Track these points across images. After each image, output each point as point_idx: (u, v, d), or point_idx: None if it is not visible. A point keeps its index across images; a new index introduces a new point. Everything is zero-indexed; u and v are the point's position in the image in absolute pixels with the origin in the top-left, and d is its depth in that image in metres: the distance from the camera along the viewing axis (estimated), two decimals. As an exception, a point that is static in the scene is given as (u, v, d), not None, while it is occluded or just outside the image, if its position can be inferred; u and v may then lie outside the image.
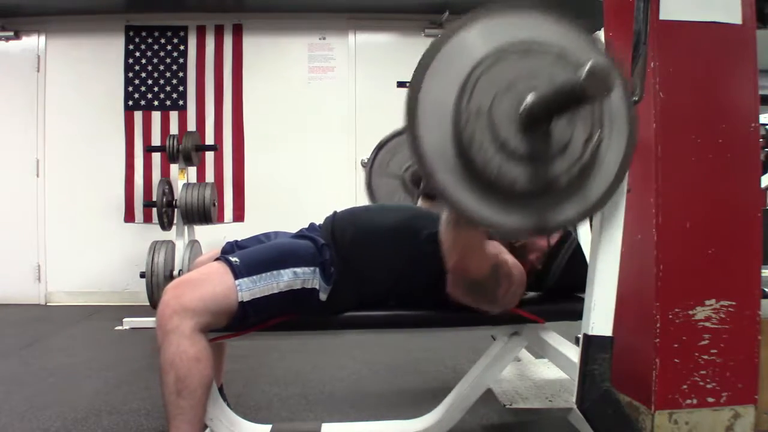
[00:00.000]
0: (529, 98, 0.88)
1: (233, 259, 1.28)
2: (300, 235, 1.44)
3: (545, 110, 0.88)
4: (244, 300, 1.23)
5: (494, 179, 0.90)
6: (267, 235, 1.56)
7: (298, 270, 1.29)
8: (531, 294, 1.47)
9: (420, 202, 1.81)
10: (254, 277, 1.25)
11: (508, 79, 0.90)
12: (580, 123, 0.92)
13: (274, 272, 1.27)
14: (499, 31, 0.94)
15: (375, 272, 1.37)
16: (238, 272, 1.24)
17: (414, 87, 0.91)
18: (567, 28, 0.97)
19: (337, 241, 1.38)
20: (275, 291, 1.26)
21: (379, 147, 2.04)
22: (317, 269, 1.31)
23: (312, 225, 1.52)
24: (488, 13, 0.95)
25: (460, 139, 0.89)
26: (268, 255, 1.32)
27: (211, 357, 1.20)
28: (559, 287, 1.45)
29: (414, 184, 1.98)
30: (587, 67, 0.76)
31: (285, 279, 1.27)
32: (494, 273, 1.21)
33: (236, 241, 1.54)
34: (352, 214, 1.48)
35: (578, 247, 1.45)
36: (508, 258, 1.30)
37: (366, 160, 4.21)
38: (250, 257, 1.30)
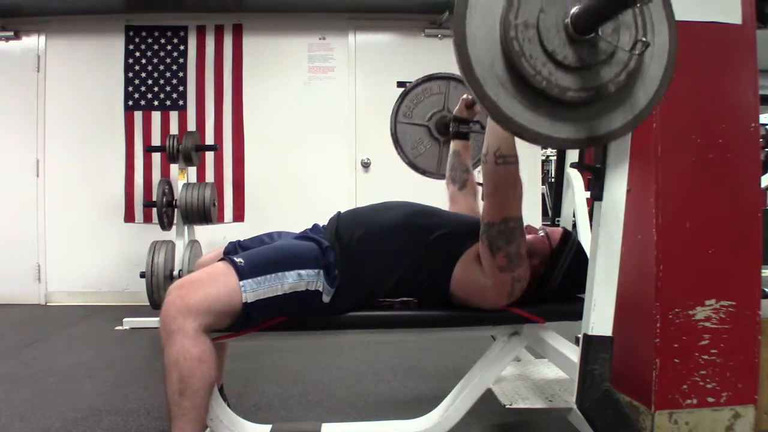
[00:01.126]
0: (575, 8, 0.91)
1: (238, 260, 1.28)
2: (304, 236, 1.44)
3: (591, 18, 0.90)
4: (248, 301, 1.23)
5: (544, 89, 0.92)
6: (270, 235, 1.56)
7: (303, 272, 1.29)
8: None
9: (452, 144, 1.82)
10: (259, 278, 1.25)
11: None
12: (625, 30, 0.96)
13: (279, 274, 1.27)
14: None
15: (380, 273, 1.37)
16: (242, 273, 1.24)
17: (461, 2, 0.93)
18: None
19: (342, 243, 1.38)
20: (279, 293, 1.26)
21: (404, 95, 2.05)
22: (321, 271, 1.31)
23: (315, 226, 1.52)
24: None
25: (509, 50, 0.92)
26: (273, 256, 1.32)
27: (215, 357, 1.20)
28: (562, 290, 1.44)
29: (440, 131, 2.02)
30: None
31: (289, 281, 1.27)
32: (521, 222, 1.28)
33: (239, 241, 1.54)
34: (357, 214, 1.48)
35: (579, 250, 1.45)
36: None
37: (366, 160, 4.22)
38: (254, 258, 1.30)
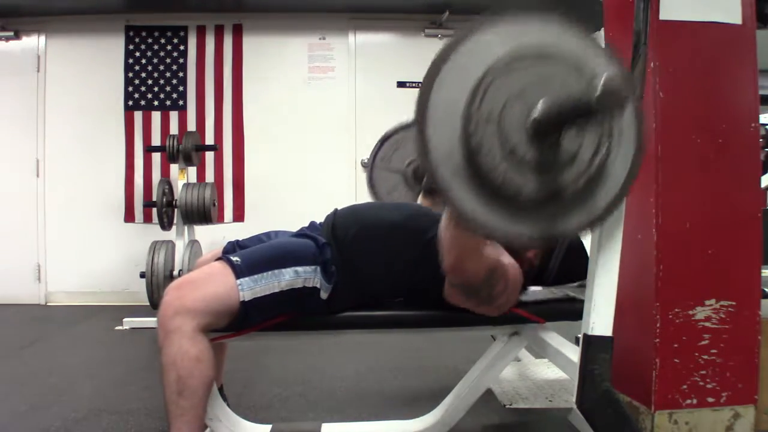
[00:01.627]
0: (540, 107, 0.88)
1: (234, 258, 1.28)
2: (301, 233, 1.44)
3: (555, 120, 0.87)
4: (246, 299, 1.23)
5: (500, 185, 0.89)
6: (268, 235, 1.56)
7: (300, 269, 1.29)
8: (533, 289, 1.46)
9: (420, 199, 1.81)
10: (255, 276, 1.25)
11: (520, 86, 0.89)
12: (590, 134, 0.91)
13: (276, 271, 1.27)
14: (514, 37, 0.93)
15: (376, 271, 1.37)
16: (239, 272, 1.25)
17: (427, 85, 0.91)
18: (582, 38, 0.96)
19: (339, 240, 1.38)
20: (276, 290, 1.26)
21: (383, 140, 2.03)
22: (318, 268, 1.31)
23: (312, 223, 1.52)
24: (505, 18, 0.95)
25: (468, 142, 0.89)
26: (270, 254, 1.32)
27: (213, 357, 1.20)
28: (559, 280, 1.45)
29: (416, 180, 1.99)
30: (602, 82, 0.75)
31: (286, 278, 1.27)
32: (490, 277, 1.21)
33: (237, 241, 1.54)
34: (354, 211, 1.48)
35: (575, 244, 1.44)
36: (506, 260, 1.30)
37: (366, 160, 4.22)
38: (251, 257, 1.30)
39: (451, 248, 1.16)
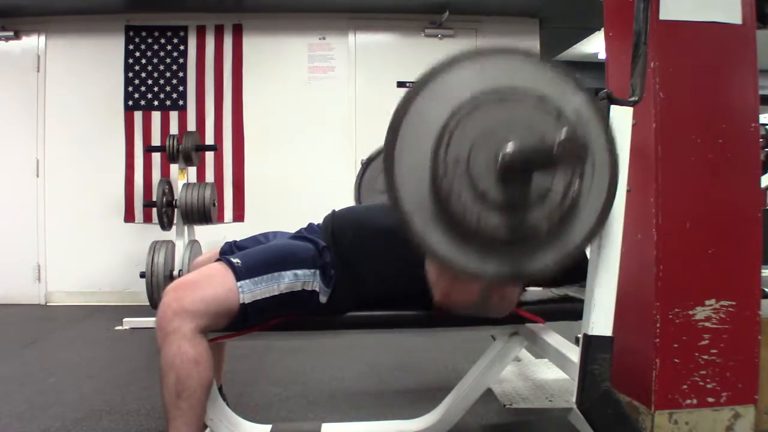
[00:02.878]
0: (508, 149, 0.87)
1: (235, 260, 1.27)
2: (300, 236, 1.44)
3: (522, 166, 0.88)
4: (246, 302, 1.23)
5: (474, 228, 0.89)
6: (266, 236, 1.56)
7: (299, 272, 1.29)
8: (531, 289, 1.46)
9: None
10: (256, 278, 1.25)
11: (486, 127, 0.89)
12: (560, 171, 0.91)
13: (275, 274, 1.27)
14: (476, 78, 0.92)
15: (375, 273, 1.37)
16: (239, 274, 1.24)
17: (392, 132, 0.90)
18: (550, 72, 0.95)
19: (337, 242, 1.37)
20: (276, 293, 1.26)
21: (367, 163, 2.03)
22: (317, 271, 1.31)
23: (311, 225, 1.52)
24: (468, 56, 0.94)
25: (438, 188, 0.89)
26: (270, 256, 1.31)
27: (211, 359, 1.20)
28: (558, 283, 1.44)
29: None
30: (561, 137, 0.75)
31: (286, 281, 1.27)
32: (482, 297, 1.22)
33: (235, 242, 1.54)
34: (352, 214, 1.48)
35: None
36: None
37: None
38: (251, 259, 1.30)
39: (437, 283, 1.20)
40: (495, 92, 0.91)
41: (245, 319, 1.26)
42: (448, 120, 0.89)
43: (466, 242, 0.92)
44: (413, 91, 0.92)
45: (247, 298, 1.23)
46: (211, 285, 1.23)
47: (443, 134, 0.89)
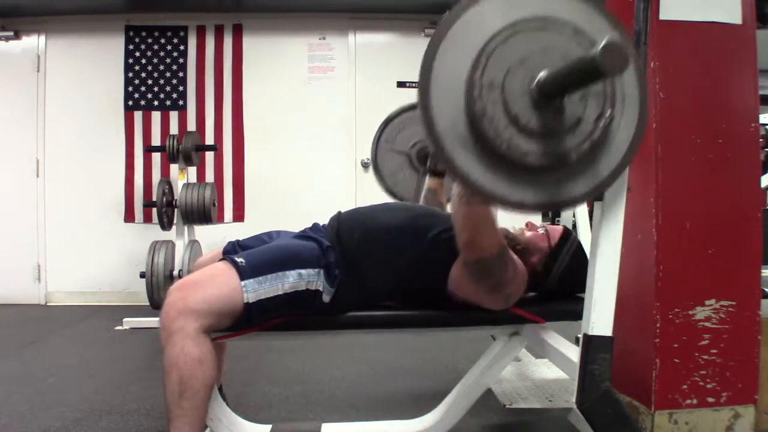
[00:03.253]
0: (542, 73, 0.89)
1: (239, 260, 1.27)
2: (304, 235, 1.44)
3: (558, 86, 0.88)
4: (250, 301, 1.23)
5: (505, 152, 0.90)
6: (269, 235, 1.56)
7: (303, 272, 1.29)
8: (531, 294, 1.46)
9: (427, 180, 1.80)
10: (260, 278, 1.25)
11: (522, 54, 0.91)
12: (593, 100, 0.93)
13: (280, 274, 1.27)
14: (515, 6, 0.94)
15: (380, 273, 1.37)
16: (243, 273, 1.24)
17: (428, 57, 0.92)
18: (587, 8, 0.97)
19: (343, 243, 1.38)
20: (280, 292, 1.26)
21: (386, 122, 2.03)
22: (322, 271, 1.31)
23: (315, 225, 1.52)
24: None
25: (472, 109, 0.90)
26: (274, 256, 1.31)
27: (215, 359, 1.20)
28: (560, 289, 1.45)
29: (420, 161, 1.99)
30: (603, 44, 0.75)
31: (290, 280, 1.27)
32: (503, 254, 1.23)
33: (238, 241, 1.54)
34: (358, 215, 1.47)
35: (579, 249, 1.44)
36: (513, 255, 1.31)
37: (366, 160, 4.22)
38: (255, 258, 1.30)
39: (465, 224, 1.18)
40: (532, 20, 0.93)
41: (249, 319, 1.26)
42: (486, 45, 0.91)
43: (498, 167, 0.93)
44: (453, 15, 0.94)
45: (251, 297, 1.23)
46: (215, 284, 1.23)
47: (480, 58, 0.90)
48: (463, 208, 1.17)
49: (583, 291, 1.13)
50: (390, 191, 2.05)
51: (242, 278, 1.24)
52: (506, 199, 0.95)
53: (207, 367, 1.16)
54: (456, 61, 0.92)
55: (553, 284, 1.43)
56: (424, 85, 0.91)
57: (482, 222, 1.18)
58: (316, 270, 1.30)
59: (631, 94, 0.99)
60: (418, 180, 2.00)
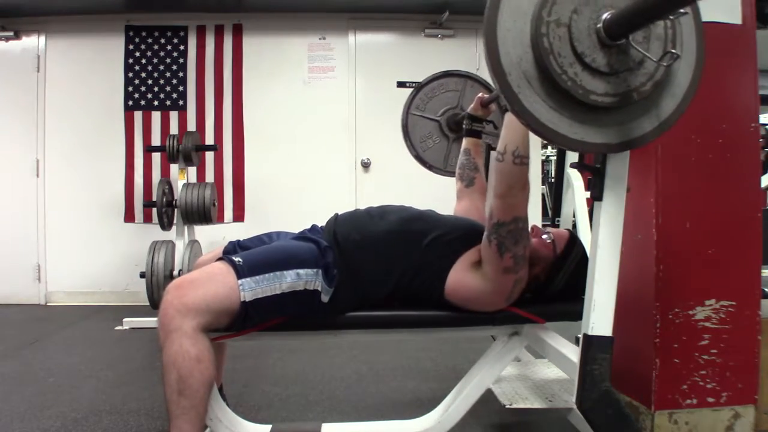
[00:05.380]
0: (607, 14, 0.93)
1: (236, 259, 1.28)
2: (303, 236, 1.44)
3: (623, 24, 0.91)
4: (247, 300, 1.23)
5: (570, 88, 0.93)
6: (269, 235, 1.56)
7: (301, 271, 1.29)
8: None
9: (464, 142, 1.81)
10: (257, 277, 1.25)
11: None
12: (655, 40, 0.97)
13: (278, 273, 1.27)
14: None
15: (377, 276, 1.37)
16: (241, 272, 1.25)
17: (492, 9, 0.94)
18: None
19: (340, 245, 1.38)
20: (278, 292, 1.26)
21: (418, 89, 2.06)
22: (320, 271, 1.31)
23: (314, 227, 1.52)
24: None
25: (539, 44, 0.93)
26: (272, 256, 1.32)
27: (213, 357, 1.20)
28: (563, 292, 1.43)
29: (451, 128, 2.04)
30: None
31: (288, 280, 1.27)
32: (525, 222, 1.27)
33: (238, 241, 1.54)
34: (354, 217, 1.48)
35: (585, 256, 1.42)
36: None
37: (366, 160, 4.22)
38: (253, 258, 1.30)
39: (504, 177, 1.22)
40: None
41: (246, 318, 1.26)
42: (541, 6, 0.93)
43: (561, 105, 0.96)
44: None
45: (248, 296, 1.23)
46: (212, 283, 1.23)
47: (540, 17, 0.93)
48: (515, 169, 1.21)
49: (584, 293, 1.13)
50: (419, 157, 2.07)
51: (239, 277, 1.24)
52: (567, 137, 0.97)
53: (205, 365, 1.17)
54: (520, 5, 0.95)
55: (556, 290, 1.42)
56: (491, 21, 0.94)
57: (526, 183, 1.23)
58: (315, 270, 1.30)
59: (689, 38, 1.03)
60: (448, 146, 2.04)
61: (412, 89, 2.07)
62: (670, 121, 1.03)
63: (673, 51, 0.96)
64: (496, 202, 1.25)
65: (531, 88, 0.94)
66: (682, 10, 0.91)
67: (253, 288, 1.24)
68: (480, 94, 1.76)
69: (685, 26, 1.01)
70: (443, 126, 2.05)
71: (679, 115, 1.04)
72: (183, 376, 1.14)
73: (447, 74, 2.05)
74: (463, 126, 1.81)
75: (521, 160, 1.21)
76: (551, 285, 1.40)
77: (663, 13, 0.90)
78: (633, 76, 0.96)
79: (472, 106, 1.79)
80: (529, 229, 1.37)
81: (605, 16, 0.93)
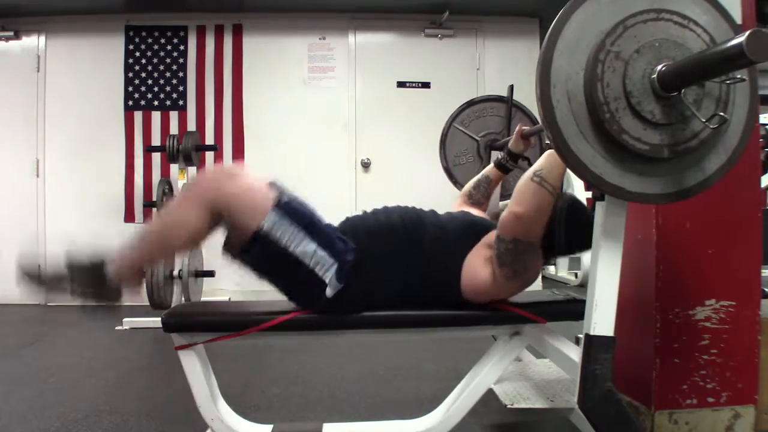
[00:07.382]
0: (662, 66, 0.93)
1: (285, 195, 1.29)
2: (339, 237, 1.42)
3: (678, 77, 0.91)
4: (262, 229, 1.23)
5: (604, 120, 0.93)
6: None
7: (321, 252, 1.28)
8: (529, 289, 1.45)
9: (489, 169, 1.80)
10: (286, 221, 1.25)
11: (656, 39, 0.94)
12: (708, 99, 0.96)
13: (304, 234, 1.27)
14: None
15: (381, 281, 1.36)
16: (279, 205, 1.26)
17: (562, 17, 0.96)
18: (706, 6, 1.01)
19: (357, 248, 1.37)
20: (289, 249, 1.26)
21: (469, 104, 2.06)
22: (336, 264, 1.30)
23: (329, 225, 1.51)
24: None
25: (589, 71, 0.94)
26: (314, 221, 1.31)
27: (195, 240, 1.29)
28: (570, 248, 1.41)
29: (487, 152, 2.05)
30: (750, 31, 0.77)
31: (304, 248, 1.27)
32: (532, 248, 1.27)
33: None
34: (362, 221, 1.46)
35: (573, 204, 1.38)
36: None
37: (366, 160, 4.22)
38: (299, 207, 1.31)
39: (532, 199, 1.21)
40: (674, 14, 0.97)
41: (247, 251, 1.27)
42: (626, 18, 0.95)
43: (619, 157, 0.97)
44: (573, 4, 0.97)
45: (265, 226, 1.23)
46: (249, 193, 1.25)
47: (618, 26, 0.94)
48: (531, 186, 1.20)
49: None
50: (448, 170, 2.07)
51: (273, 207, 1.25)
52: (607, 182, 0.98)
53: (183, 233, 1.25)
54: (589, 25, 0.96)
55: (562, 249, 1.40)
56: (545, 73, 0.95)
57: (542, 209, 1.21)
58: (332, 260, 1.29)
59: (741, 99, 1.02)
60: (479, 168, 2.03)
61: (462, 103, 2.07)
62: (713, 179, 1.03)
63: (722, 114, 0.95)
64: (507, 213, 1.24)
65: (585, 140, 0.96)
66: (739, 76, 0.93)
67: (274, 224, 1.24)
68: (520, 125, 1.75)
69: (740, 88, 1.01)
70: (481, 147, 2.05)
71: (723, 174, 1.04)
72: (166, 224, 1.30)
73: (500, 99, 2.05)
74: (498, 157, 1.80)
75: (541, 179, 1.20)
76: (554, 243, 1.39)
77: (718, 72, 0.90)
78: (676, 130, 0.96)
79: (513, 138, 1.78)
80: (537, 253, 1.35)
81: (661, 67, 0.93)
